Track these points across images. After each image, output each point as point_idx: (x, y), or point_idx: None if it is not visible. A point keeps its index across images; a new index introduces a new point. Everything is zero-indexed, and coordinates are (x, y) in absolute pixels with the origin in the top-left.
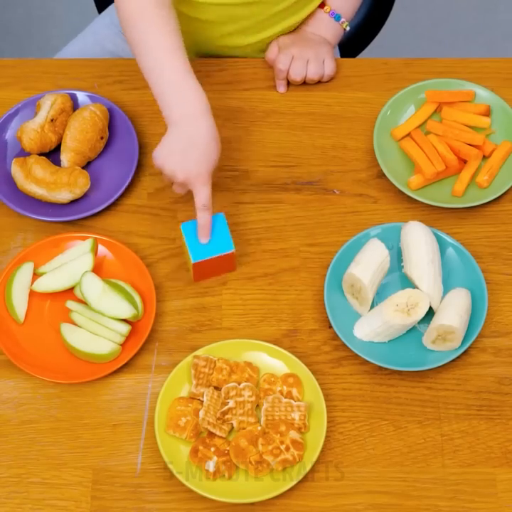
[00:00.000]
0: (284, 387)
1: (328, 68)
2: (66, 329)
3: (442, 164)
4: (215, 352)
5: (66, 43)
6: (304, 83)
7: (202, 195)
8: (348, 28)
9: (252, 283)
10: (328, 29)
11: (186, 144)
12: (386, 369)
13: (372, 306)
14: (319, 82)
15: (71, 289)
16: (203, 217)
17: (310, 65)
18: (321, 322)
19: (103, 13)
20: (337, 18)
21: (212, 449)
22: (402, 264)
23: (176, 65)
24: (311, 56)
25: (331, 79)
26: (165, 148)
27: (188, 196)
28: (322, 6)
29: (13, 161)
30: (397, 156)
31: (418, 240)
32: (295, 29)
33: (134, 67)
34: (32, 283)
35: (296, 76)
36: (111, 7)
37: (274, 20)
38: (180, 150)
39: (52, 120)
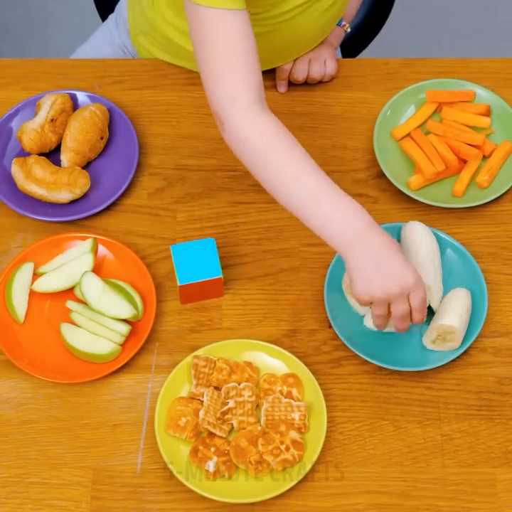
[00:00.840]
0: (284, 387)
1: (330, 68)
2: (66, 329)
3: (442, 164)
4: (215, 352)
5: (66, 43)
6: (305, 83)
7: (422, 295)
8: (349, 30)
9: (252, 283)
10: (331, 32)
11: (374, 262)
12: (386, 369)
13: None
14: (320, 82)
15: (71, 289)
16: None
17: (312, 65)
18: (321, 322)
19: (102, 27)
20: (339, 22)
21: (212, 449)
22: None
23: (325, 188)
24: (313, 56)
25: (332, 79)
26: (360, 279)
27: (189, 196)
28: None
29: (13, 161)
30: (397, 156)
31: (418, 240)
32: None
33: (134, 67)
34: (32, 283)
35: (299, 76)
36: (110, 18)
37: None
38: (373, 269)
39: (52, 120)
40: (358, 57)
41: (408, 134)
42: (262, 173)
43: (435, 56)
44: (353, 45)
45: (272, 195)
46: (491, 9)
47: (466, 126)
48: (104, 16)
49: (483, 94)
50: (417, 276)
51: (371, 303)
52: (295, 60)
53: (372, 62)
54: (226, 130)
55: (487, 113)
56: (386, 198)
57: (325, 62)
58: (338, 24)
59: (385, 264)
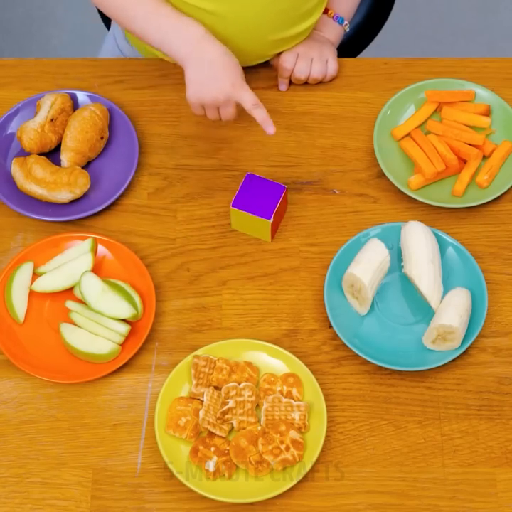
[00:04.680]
0: (284, 387)
1: (331, 68)
2: (66, 329)
3: (442, 164)
4: (215, 352)
5: (66, 43)
6: (305, 83)
7: (247, 97)
8: (348, 29)
9: (252, 283)
10: (331, 31)
11: (207, 69)
12: (386, 369)
13: (372, 306)
14: (320, 82)
15: (71, 289)
16: (260, 113)
17: (314, 65)
18: (321, 322)
19: (107, 39)
20: (341, 21)
21: (212, 449)
22: (402, 264)
23: (164, 11)
24: (315, 56)
25: (333, 79)
26: (192, 85)
27: (189, 196)
28: (325, 10)
29: (13, 161)
30: (397, 156)
31: (418, 240)
32: None
33: (134, 67)
34: (31, 283)
35: (301, 75)
36: (113, 28)
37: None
38: (206, 76)
39: (52, 120)
40: (358, 57)
41: (408, 134)
42: (110, 9)
43: (435, 56)
44: (353, 45)
45: (120, 24)
46: (491, 9)
47: (466, 126)
48: (104, 16)
49: (483, 94)
50: (237, 84)
51: (203, 107)
52: (297, 59)
53: (372, 62)
54: None
55: (487, 113)
56: (386, 198)
57: (327, 63)
58: (341, 23)
59: (215, 71)
